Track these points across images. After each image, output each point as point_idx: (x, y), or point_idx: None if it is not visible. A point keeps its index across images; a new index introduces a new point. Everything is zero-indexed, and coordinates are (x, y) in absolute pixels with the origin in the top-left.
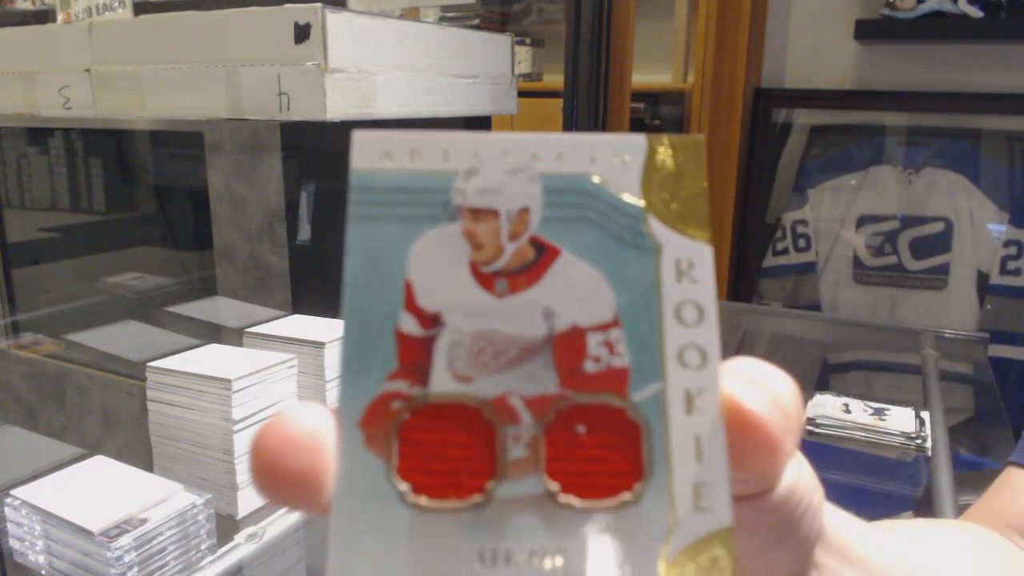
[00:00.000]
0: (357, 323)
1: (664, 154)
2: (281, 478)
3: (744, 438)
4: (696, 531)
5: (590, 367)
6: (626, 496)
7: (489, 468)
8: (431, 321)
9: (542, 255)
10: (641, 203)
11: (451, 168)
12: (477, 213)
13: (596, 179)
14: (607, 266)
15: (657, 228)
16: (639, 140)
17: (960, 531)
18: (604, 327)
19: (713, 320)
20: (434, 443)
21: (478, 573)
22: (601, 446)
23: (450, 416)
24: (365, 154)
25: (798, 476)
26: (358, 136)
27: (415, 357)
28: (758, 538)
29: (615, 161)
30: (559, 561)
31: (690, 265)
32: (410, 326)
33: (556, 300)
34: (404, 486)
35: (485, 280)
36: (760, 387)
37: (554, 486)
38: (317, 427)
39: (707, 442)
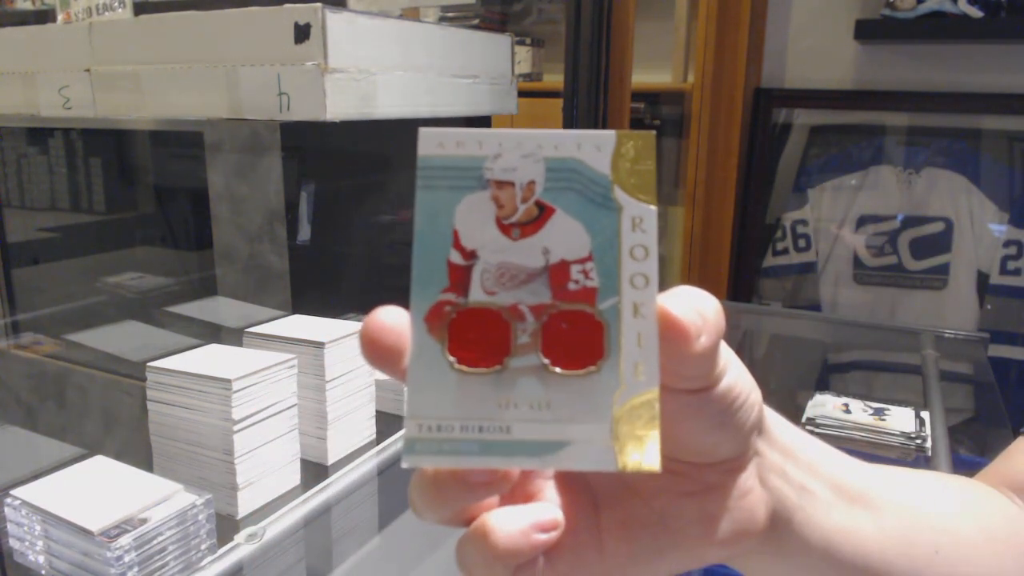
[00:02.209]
0: (423, 255)
1: (627, 144)
2: (378, 350)
3: (670, 332)
4: (636, 390)
5: (572, 286)
6: (592, 368)
7: (505, 348)
8: (470, 255)
9: (543, 212)
10: (610, 178)
11: (483, 153)
12: (500, 184)
13: (580, 161)
14: (586, 220)
15: (620, 195)
16: (610, 134)
17: (942, 476)
18: (582, 260)
19: (654, 257)
20: (471, 332)
21: (497, 413)
22: (577, 336)
23: (482, 316)
24: (427, 144)
25: (737, 378)
26: (423, 132)
27: (460, 278)
28: (704, 422)
29: (593, 149)
30: (548, 407)
31: (641, 220)
32: (456, 258)
33: (551, 242)
34: (452, 359)
35: (505, 229)
36: (686, 301)
37: (546, 360)
38: (400, 320)
39: (645, 336)
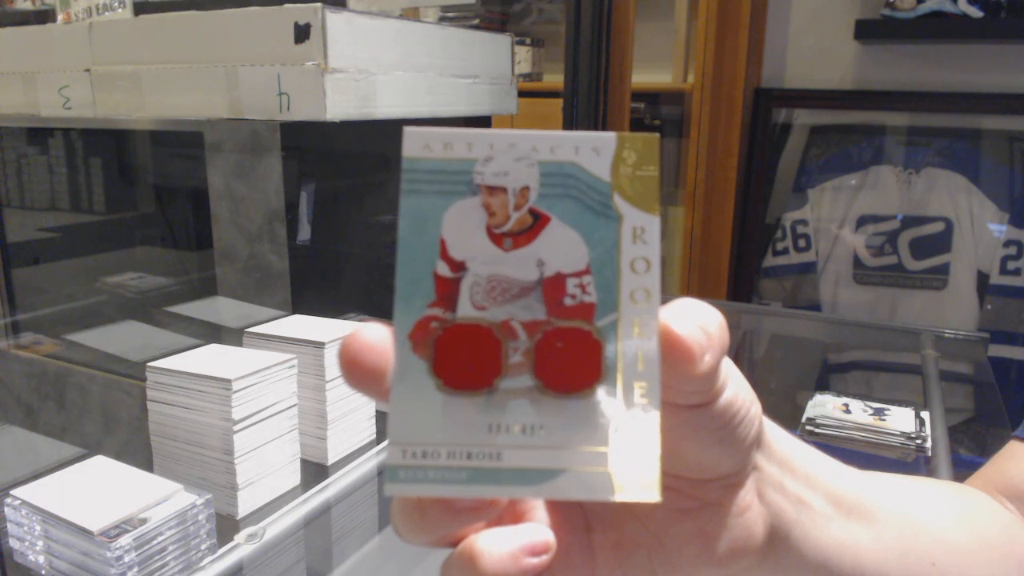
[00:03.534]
0: (407, 267)
1: (628, 148)
2: (358, 370)
3: (672, 352)
4: (635, 414)
5: (568, 302)
6: (588, 390)
7: (496, 368)
8: (458, 267)
9: (537, 221)
10: (610, 184)
11: (473, 156)
12: (492, 190)
13: (578, 166)
14: (583, 230)
15: (620, 203)
16: (611, 136)
17: (936, 483)
18: (579, 274)
19: (657, 270)
20: (459, 350)
21: (486, 438)
22: (573, 355)
23: (470, 333)
24: (411, 145)
25: (737, 391)
26: (407, 131)
27: (447, 292)
28: (703, 437)
29: (592, 152)
30: (542, 432)
31: (643, 231)
32: (444, 270)
33: (546, 254)
34: (438, 379)
35: (496, 238)
36: (688, 317)
37: (540, 382)
38: (383, 338)
39: (646, 356)
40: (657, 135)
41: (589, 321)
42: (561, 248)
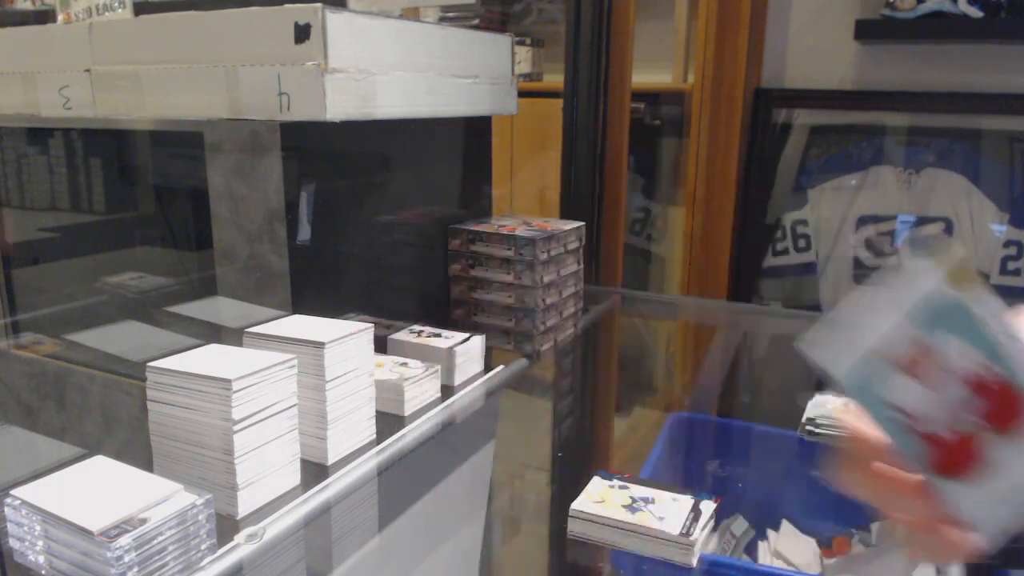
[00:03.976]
0: (897, 437)
1: (953, 260)
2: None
3: None
4: None
5: (987, 384)
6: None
7: (979, 450)
8: (919, 419)
9: (932, 348)
10: (959, 295)
11: (871, 334)
12: (900, 349)
13: (937, 294)
14: (958, 332)
15: (965, 300)
16: (933, 265)
17: None
18: (980, 363)
19: (1016, 325)
20: (965, 461)
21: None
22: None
23: (955, 444)
24: (832, 361)
25: None
26: (819, 360)
27: (931, 438)
28: None
29: (929, 280)
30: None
31: (993, 310)
32: (914, 427)
33: (959, 367)
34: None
35: (925, 381)
36: None
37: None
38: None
39: None
40: (968, 253)
41: (1016, 386)
42: (963, 352)
